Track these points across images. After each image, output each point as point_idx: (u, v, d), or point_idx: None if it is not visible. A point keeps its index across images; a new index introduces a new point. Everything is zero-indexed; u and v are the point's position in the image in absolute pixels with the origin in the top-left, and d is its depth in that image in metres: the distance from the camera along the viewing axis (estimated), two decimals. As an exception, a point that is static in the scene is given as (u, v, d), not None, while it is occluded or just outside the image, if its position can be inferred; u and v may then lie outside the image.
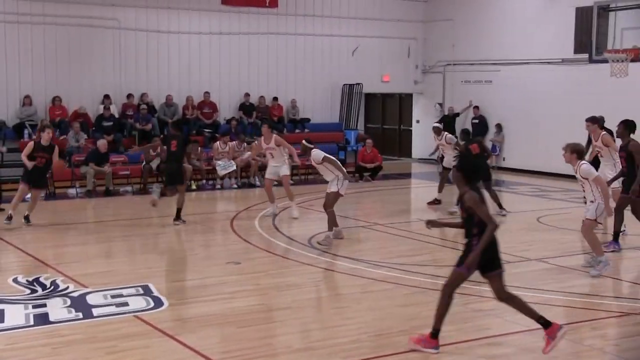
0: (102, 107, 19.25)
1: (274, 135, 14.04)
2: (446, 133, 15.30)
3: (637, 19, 14.35)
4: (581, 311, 8.26)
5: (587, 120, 12.04)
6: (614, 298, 8.98)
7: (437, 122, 23.11)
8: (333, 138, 21.89)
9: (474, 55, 23.07)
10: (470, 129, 22.89)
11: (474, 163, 7.73)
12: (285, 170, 14.06)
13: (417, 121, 25.40)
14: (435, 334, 6.83)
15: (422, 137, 24.74)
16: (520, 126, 21.54)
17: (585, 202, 10.10)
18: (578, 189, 13.84)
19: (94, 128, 18.95)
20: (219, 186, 18.27)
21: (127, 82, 20.06)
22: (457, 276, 6.79)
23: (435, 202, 15.13)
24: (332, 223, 11.79)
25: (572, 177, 11.98)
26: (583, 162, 9.54)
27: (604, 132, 11.91)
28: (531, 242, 11.99)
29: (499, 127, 22.52)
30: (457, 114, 23.28)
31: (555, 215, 13.79)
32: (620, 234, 11.23)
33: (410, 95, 25.62)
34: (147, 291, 8.70)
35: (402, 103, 26.09)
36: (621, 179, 11.07)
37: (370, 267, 10.11)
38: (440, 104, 24.43)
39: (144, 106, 19.45)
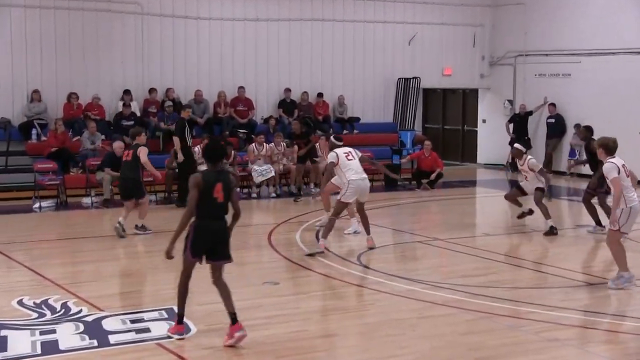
0: (121, 104, 19.47)
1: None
2: (529, 157, 14.80)
3: None
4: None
5: None
6: None
7: (508, 122, 23.25)
8: (386, 140, 21.85)
9: (550, 44, 22.88)
10: (545, 129, 22.82)
11: None
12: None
13: (484, 121, 25.27)
14: None
15: (489, 140, 24.60)
16: (604, 126, 21.13)
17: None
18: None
19: (112, 128, 19.16)
20: (255, 195, 18.37)
21: (150, 76, 20.32)
22: None
23: (528, 213, 14.83)
24: (326, 231, 12.29)
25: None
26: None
27: None
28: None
29: (578, 127, 22.23)
30: (530, 113, 23.10)
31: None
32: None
33: (475, 91, 25.51)
34: (171, 315, 8.73)
35: (466, 100, 26.00)
36: None
37: (428, 288, 10.07)
38: (511, 101, 24.29)
39: (170, 103, 19.64)
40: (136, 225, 13.73)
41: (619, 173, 9.97)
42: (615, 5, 21.07)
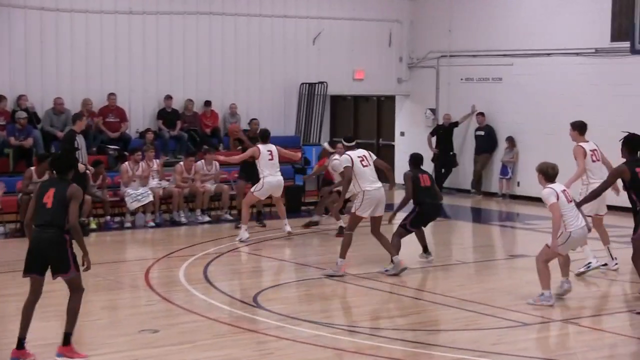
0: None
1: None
2: (334, 157, 15.88)
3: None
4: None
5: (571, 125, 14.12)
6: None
7: (430, 135, 23.64)
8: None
9: (478, 44, 23.41)
10: (473, 143, 23.27)
11: None
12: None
13: (402, 133, 25.62)
14: None
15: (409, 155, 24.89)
16: (539, 139, 21.80)
17: None
18: (620, 224, 14.40)
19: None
20: (128, 224, 18.20)
21: (-4, 81, 19.95)
22: None
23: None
24: (343, 249, 13.07)
25: (613, 208, 12.22)
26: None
27: (580, 144, 13.78)
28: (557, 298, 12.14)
29: (510, 141, 22.80)
30: (456, 124, 23.54)
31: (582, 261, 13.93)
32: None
33: (392, 99, 25.89)
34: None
35: (382, 109, 26.34)
36: None
37: (339, 333, 10.13)
38: (433, 111, 24.70)
39: (23, 114, 19.26)
40: None
41: (557, 199, 11.15)
42: (552, 1, 21.66)
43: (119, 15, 21.20)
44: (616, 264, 13.47)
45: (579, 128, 14.04)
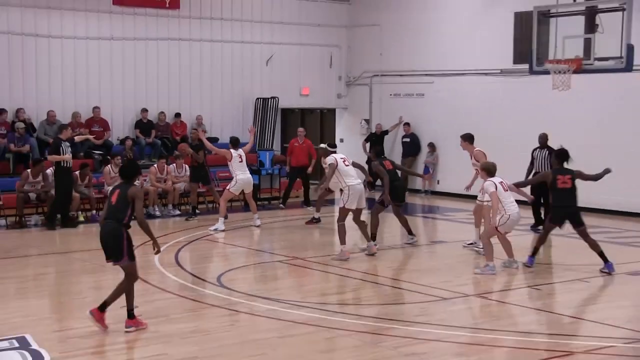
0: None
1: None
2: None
3: (580, 26, 14.96)
4: (524, 352, 8.50)
5: (461, 137, 14.60)
6: (558, 336, 9.26)
7: (365, 142, 23.74)
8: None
9: (404, 65, 23.53)
10: (401, 148, 23.42)
11: None
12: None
13: (341, 140, 25.66)
14: None
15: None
16: (455, 145, 21.83)
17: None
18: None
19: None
20: (111, 217, 18.02)
21: (-2, 96, 19.67)
22: None
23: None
24: (340, 237, 13.25)
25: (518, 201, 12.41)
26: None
27: (477, 149, 14.24)
28: (469, 277, 12.28)
29: (431, 146, 22.98)
30: (386, 132, 23.66)
31: (496, 245, 14.12)
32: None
33: (333, 111, 25.94)
34: (23, 344, 8.49)
35: (324, 120, 26.37)
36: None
37: (288, 307, 10.15)
38: (367, 121, 24.80)
39: (21, 124, 19.05)
40: None
41: (496, 189, 12.15)
42: (467, 29, 21.82)
43: (102, 41, 21.00)
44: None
45: (470, 139, 14.50)
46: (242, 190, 17.02)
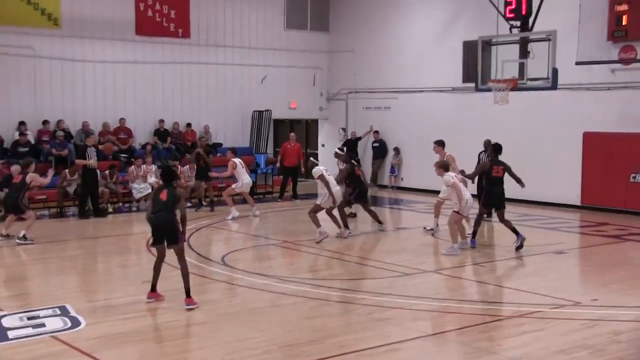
0: (17, 133, 18.70)
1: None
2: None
3: (515, 52, 15.23)
4: (471, 316, 8.60)
5: (434, 142, 14.50)
6: (498, 303, 9.37)
7: (342, 146, 23.74)
8: (244, 161, 21.77)
9: (374, 83, 23.56)
10: (371, 151, 23.50)
11: None
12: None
13: (323, 145, 25.72)
14: None
15: (327, 160, 24.97)
16: (416, 149, 22.09)
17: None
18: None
19: (9, 153, 18.38)
20: (135, 208, 18.02)
21: (42, 109, 19.53)
22: None
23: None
24: (315, 224, 13.38)
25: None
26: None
27: (448, 153, 14.20)
28: (428, 255, 12.37)
29: (397, 150, 23.06)
30: (359, 138, 23.71)
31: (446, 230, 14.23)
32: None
33: (316, 121, 25.94)
34: (64, 312, 8.51)
35: (309, 128, 26.37)
36: None
37: (279, 282, 10.20)
38: (344, 129, 24.83)
39: (61, 132, 19.00)
40: (18, 236, 13.17)
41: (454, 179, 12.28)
42: (425, 54, 21.86)
43: (127, 64, 20.92)
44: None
45: (442, 144, 14.49)
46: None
